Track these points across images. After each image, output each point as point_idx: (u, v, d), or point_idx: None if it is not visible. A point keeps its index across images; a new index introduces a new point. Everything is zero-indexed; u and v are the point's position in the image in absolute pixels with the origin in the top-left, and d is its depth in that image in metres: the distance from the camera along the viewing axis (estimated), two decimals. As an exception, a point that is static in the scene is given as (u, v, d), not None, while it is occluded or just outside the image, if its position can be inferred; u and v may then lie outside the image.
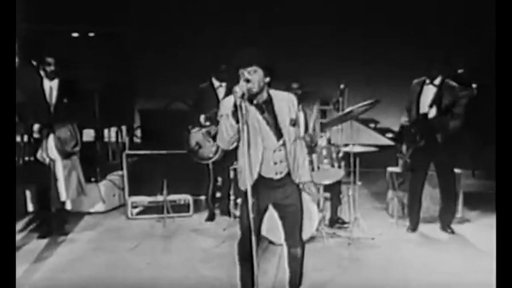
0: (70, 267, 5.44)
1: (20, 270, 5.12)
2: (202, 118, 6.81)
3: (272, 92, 3.97)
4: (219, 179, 7.33)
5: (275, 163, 3.93)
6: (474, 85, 5.97)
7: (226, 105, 3.81)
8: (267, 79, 3.87)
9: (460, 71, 8.55)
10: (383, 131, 11.26)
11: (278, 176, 3.97)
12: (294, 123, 3.99)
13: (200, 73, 7.35)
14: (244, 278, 4.15)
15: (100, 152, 8.54)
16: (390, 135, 11.04)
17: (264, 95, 3.91)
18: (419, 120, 6.30)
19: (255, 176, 3.89)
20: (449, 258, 5.69)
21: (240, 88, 3.68)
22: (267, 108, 3.92)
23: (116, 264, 5.52)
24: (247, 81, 3.75)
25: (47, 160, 6.25)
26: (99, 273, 5.30)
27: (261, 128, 3.89)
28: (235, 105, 3.66)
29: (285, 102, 3.99)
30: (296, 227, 4.14)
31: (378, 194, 8.46)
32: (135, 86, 9.68)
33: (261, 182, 3.92)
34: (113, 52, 9.32)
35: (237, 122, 3.69)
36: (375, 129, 11.14)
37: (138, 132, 9.89)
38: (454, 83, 6.24)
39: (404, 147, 6.46)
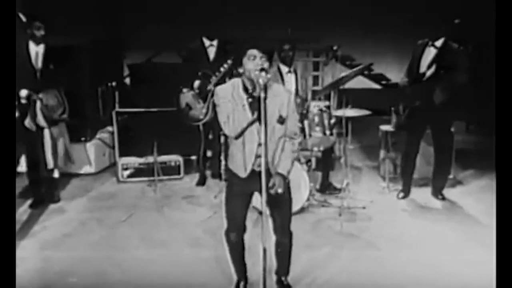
0: (62, 244, 5.37)
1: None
2: (196, 84, 6.66)
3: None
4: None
5: None
6: None
7: (222, 94, 3.77)
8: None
9: (456, 21, 8.29)
10: (377, 78, 11.11)
11: None
12: (282, 121, 3.82)
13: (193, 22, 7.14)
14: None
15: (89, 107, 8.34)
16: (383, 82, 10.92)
17: None
18: (416, 80, 6.21)
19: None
20: (443, 232, 5.61)
21: (263, 80, 3.44)
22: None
23: (109, 242, 5.45)
24: (264, 70, 3.51)
25: (34, 127, 6.13)
26: (92, 251, 5.21)
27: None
28: (251, 96, 3.68)
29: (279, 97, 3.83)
30: (285, 218, 4.11)
31: (370, 150, 8.39)
32: (124, 39, 9.36)
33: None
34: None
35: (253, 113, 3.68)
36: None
37: (127, 80, 9.66)
38: (455, 45, 6.16)
39: (401, 107, 6.38)
